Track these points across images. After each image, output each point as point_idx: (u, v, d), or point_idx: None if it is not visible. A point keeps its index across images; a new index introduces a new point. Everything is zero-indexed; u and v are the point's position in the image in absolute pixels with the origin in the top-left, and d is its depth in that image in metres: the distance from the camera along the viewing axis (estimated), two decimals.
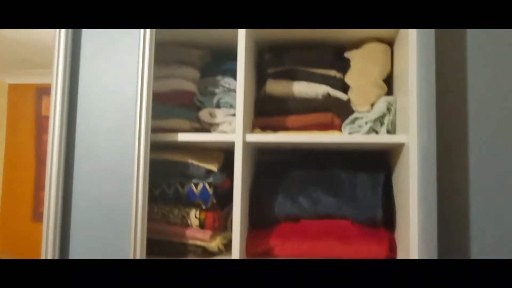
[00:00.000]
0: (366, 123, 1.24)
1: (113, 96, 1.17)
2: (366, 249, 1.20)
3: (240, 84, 1.21)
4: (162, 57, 1.36)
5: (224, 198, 1.30)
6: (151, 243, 1.23)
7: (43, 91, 3.73)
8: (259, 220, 1.30)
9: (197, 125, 1.33)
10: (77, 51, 1.18)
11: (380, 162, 1.35)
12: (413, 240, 1.08)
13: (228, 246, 1.26)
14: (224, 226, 1.33)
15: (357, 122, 1.25)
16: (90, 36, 1.17)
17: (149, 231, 1.22)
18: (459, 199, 1.13)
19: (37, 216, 3.56)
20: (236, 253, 1.16)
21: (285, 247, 1.23)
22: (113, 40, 1.16)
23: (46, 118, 3.62)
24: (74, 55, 1.18)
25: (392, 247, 1.22)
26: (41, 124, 3.76)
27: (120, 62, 1.15)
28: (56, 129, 1.13)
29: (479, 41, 1.17)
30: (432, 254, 1.04)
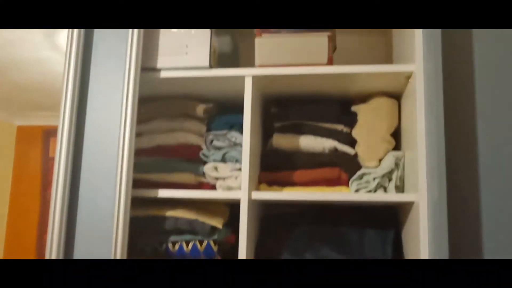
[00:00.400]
0: (374, 179, 1.22)
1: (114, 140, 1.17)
2: None
3: (246, 138, 1.20)
4: (168, 111, 1.37)
5: (229, 255, 1.27)
6: None
7: (51, 133, 3.77)
8: None
9: (202, 179, 1.31)
10: (85, 92, 1.19)
11: (389, 218, 1.32)
12: None
13: None
14: None
15: (365, 178, 1.23)
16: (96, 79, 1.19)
17: None
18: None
19: (40, 258, 3.51)
20: None
21: None
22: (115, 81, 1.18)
23: (53, 159, 3.61)
24: (82, 96, 1.19)
25: None
26: (47, 166, 3.77)
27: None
28: (61, 172, 1.15)
29: (487, 84, 1.16)
30: None
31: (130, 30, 1.17)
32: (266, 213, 1.40)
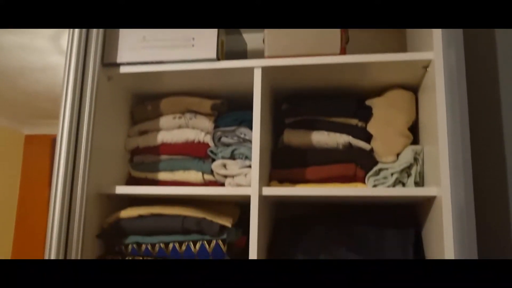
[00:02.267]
0: (392, 174, 1.15)
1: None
2: None
3: (256, 134, 1.14)
4: (174, 107, 1.31)
5: (241, 255, 1.21)
6: None
7: None
8: None
9: (210, 177, 1.25)
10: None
11: (408, 216, 1.24)
12: None
13: None
14: None
15: (382, 174, 1.16)
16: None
17: None
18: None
19: None
20: None
21: None
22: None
23: None
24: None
25: None
26: None
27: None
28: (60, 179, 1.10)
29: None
30: None
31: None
32: (278, 216, 1.34)
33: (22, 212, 3.72)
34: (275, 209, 1.35)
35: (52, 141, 3.77)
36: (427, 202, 1.13)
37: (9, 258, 3.60)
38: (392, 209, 1.27)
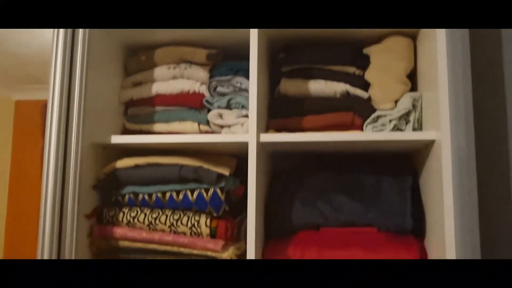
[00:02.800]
0: (390, 121, 1.14)
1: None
2: (394, 258, 1.09)
3: (253, 83, 1.12)
4: (168, 58, 1.29)
5: (237, 207, 1.20)
6: (157, 253, 1.14)
7: None
8: (276, 230, 1.19)
9: (206, 128, 1.24)
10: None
11: (405, 165, 1.24)
12: (450, 250, 0.97)
13: (241, 257, 1.16)
14: (237, 236, 1.22)
15: (380, 121, 1.15)
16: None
17: (153, 241, 1.14)
18: (502, 204, 1.03)
19: None
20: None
21: (304, 258, 1.12)
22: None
23: None
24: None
25: (423, 257, 1.11)
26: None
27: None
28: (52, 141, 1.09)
29: None
30: None
31: None
32: (277, 167, 1.33)
33: (14, 178, 3.70)
34: (272, 162, 1.34)
35: (43, 107, 3.71)
36: (425, 149, 1.13)
37: (3, 221, 3.59)
38: (389, 158, 1.27)
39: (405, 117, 1.14)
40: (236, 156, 1.25)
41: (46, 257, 1.04)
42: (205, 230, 1.12)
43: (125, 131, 1.31)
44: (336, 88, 1.22)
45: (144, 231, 1.14)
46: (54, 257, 1.04)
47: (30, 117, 3.74)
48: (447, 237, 0.97)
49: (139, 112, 1.31)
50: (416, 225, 1.13)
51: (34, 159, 3.66)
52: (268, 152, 1.26)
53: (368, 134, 1.12)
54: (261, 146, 1.12)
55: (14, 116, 3.77)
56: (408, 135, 1.09)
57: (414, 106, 1.15)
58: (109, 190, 1.19)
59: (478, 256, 0.94)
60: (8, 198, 3.67)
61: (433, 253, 1.08)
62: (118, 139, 1.17)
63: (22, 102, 3.76)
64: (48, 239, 1.05)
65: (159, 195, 1.15)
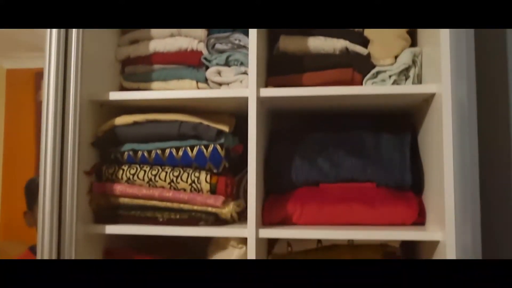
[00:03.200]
0: (390, 76, 1.13)
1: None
2: (393, 213, 1.10)
3: (252, 39, 1.10)
4: None
5: (237, 164, 1.21)
6: (157, 210, 1.14)
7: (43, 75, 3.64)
8: (275, 186, 1.20)
9: (205, 86, 1.23)
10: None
11: (404, 122, 1.25)
12: (449, 206, 0.98)
13: (241, 215, 1.16)
14: (236, 193, 1.23)
15: (380, 76, 1.15)
16: None
17: (154, 198, 1.14)
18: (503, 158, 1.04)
19: None
20: (252, 222, 1.06)
21: (303, 214, 1.13)
22: None
23: None
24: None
25: (421, 212, 1.12)
26: (41, 110, 3.65)
27: None
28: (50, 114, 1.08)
29: None
30: (474, 221, 0.94)
31: None
32: (276, 126, 1.33)
33: (8, 147, 3.67)
34: (272, 121, 1.33)
35: (35, 75, 3.66)
36: (425, 104, 1.13)
37: None
38: (388, 116, 1.27)
39: (405, 72, 1.14)
40: (235, 115, 1.25)
41: (47, 213, 1.04)
42: (205, 186, 1.12)
43: (123, 90, 1.30)
44: (335, 44, 1.20)
45: (144, 188, 1.14)
46: (55, 214, 1.04)
47: (22, 85, 3.68)
48: (447, 193, 0.98)
49: (136, 70, 1.29)
50: (415, 181, 1.14)
51: (27, 128, 3.63)
52: (268, 110, 1.26)
53: (367, 88, 1.12)
54: (260, 102, 1.12)
55: (5, 85, 3.72)
56: (408, 88, 1.09)
57: (414, 61, 1.14)
58: (108, 148, 1.18)
59: (477, 214, 0.95)
60: (2, 168, 3.66)
61: (432, 209, 1.10)
62: (116, 95, 1.16)
63: (14, 70, 3.70)
64: (49, 196, 1.05)
65: (159, 152, 1.15)
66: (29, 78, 3.67)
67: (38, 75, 3.65)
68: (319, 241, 1.19)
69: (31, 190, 1.65)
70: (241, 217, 1.16)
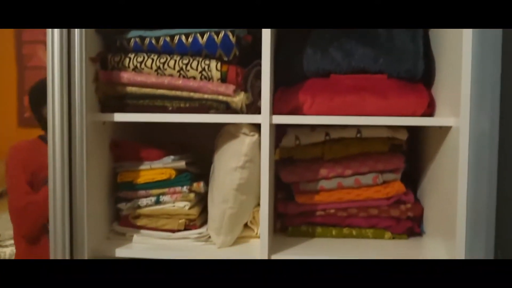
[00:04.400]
0: None
1: None
2: (404, 103, 1.10)
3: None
4: None
5: (248, 53, 1.17)
6: (166, 99, 1.12)
7: None
8: (285, 77, 1.18)
9: None
10: None
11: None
12: (465, 99, 0.98)
13: (249, 108, 1.15)
14: (244, 86, 1.21)
15: None
16: None
17: (163, 86, 1.12)
18: None
19: (23, 121, 3.41)
20: (266, 108, 1.05)
21: (314, 104, 1.13)
22: None
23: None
24: None
25: (431, 102, 1.13)
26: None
27: None
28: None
29: None
30: (493, 107, 0.95)
31: None
32: None
33: None
34: None
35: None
36: None
37: None
38: None
39: None
40: None
41: (57, 100, 1.00)
42: (216, 74, 1.10)
43: None
44: None
45: (153, 76, 1.11)
46: (65, 104, 1.01)
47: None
48: (463, 85, 0.98)
49: None
50: (427, 71, 1.14)
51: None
52: None
53: None
54: None
55: None
56: None
57: None
58: (114, 34, 1.14)
59: (497, 101, 0.96)
60: None
61: (444, 100, 1.10)
62: None
63: None
64: (58, 82, 1.01)
65: (167, 39, 1.11)
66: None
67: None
68: (327, 134, 1.19)
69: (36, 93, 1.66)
70: (248, 111, 1.14)
